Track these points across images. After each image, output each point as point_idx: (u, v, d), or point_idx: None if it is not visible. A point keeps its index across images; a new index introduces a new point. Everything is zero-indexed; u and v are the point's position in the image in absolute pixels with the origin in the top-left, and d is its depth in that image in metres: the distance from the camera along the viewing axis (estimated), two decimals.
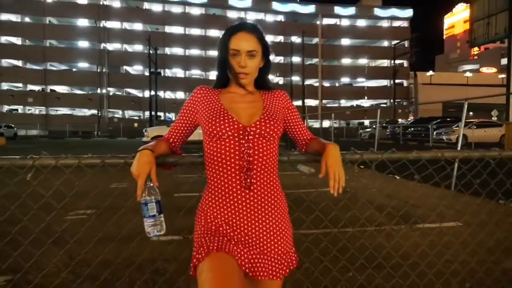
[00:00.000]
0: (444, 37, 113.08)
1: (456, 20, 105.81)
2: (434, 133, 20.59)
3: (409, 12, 59.62)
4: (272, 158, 1.35)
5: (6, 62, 48.65)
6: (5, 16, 48.09)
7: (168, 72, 52.61)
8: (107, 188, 6.59)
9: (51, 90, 50.38)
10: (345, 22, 58.59)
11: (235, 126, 1.29)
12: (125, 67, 52.79)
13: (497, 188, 2.38)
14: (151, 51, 39.51)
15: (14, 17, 49.22)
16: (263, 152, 1.31)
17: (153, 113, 39.99)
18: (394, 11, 59.32)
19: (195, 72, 53.06)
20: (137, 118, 52.49)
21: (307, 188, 6.81)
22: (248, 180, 1.29)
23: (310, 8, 56.98)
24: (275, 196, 1.35)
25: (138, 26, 52.38)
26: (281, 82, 53.54)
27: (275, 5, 56.29)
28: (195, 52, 52.61)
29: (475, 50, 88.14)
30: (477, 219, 4.66)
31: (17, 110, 50.37)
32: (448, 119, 23.61)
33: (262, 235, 1.30)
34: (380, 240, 3.84)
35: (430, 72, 56.58)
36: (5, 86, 48.73)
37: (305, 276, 2.73)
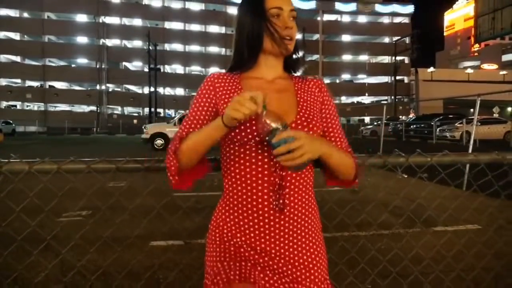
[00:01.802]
0: (445, 33, 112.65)
1: (457, 16, 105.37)
2: (437, 130, 20.35)
3: (410, 8, 59.22)
4: (310, 172, 1.10)
5: (5, 57, 48.27)
6: (4, 11, 47.68)
7: (168, 68, 52.26)
8: (104, 186, 6.35)
9: (50, 86, 50.07)
10: (345, 18, 58.24)
11: (264, 130, 0.97)
12: (124, 63, 52.42)
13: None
14: (150, 47, 39.18)
15: (12, 12, 48.80)
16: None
17: (152, 109, 39.73)
18: (395, 7, 58.93)
19: (195, 69, 52.71)
20: (136, 114, 52.22)
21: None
22: (281, 201, 1.02)
23: (311, 4, 56.59)
24: (311, 216, 1.09)
25: (137, 22, 52.01)
26: None
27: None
28: (195, 48, 52.24)
29: (475, 47, 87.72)
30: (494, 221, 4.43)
31: (15, 106, 50.10)
32: (451, 116, 23.39)
33: (294, 261, 1.05)
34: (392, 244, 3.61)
35: (431, 69, 56.33)
36: (3, 82, 48.38)
37: None
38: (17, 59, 49.37)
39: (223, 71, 1.17)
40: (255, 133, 1.00)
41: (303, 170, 1.00)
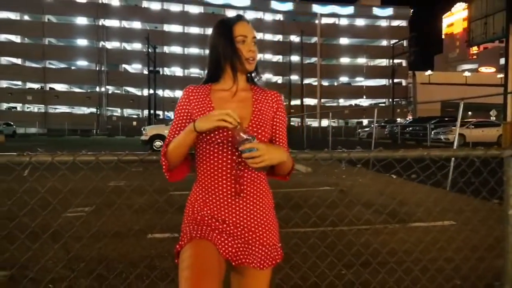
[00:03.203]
0: (443, 36, 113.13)
1: (455, 19, 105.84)
2: (432, 132, 20.65)
3: (407, 12, 59.69)
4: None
5: (5, 60, 48.61)
6: (4, 14, 48.03)
7: (167, 71, 52.63)
8: (105, 186, 6.64)
9: (50, 88, 50.39)
10: (343, 22, 58.64)
11: (225, 133, 1.29)
12: (124, 65, 52.76)
13: (483, 187, 2.45)
14: (150, 50, 39.49)
15: (13, 15, 49.16)
16: None
17: (151, 111, 39.99)
18: (392, 11, 59.40)
19: (194, 71, 53.07)
20: (135, 116, 52.51)
21: (301, 186, 6.87)
22: (238, 186, 1.33)
23: (309, 7, 57.03)
24: (263, 196, 1.40)
25: (137, 25, 52.38)
26: (279, 81, 53.59)
27: (274, 4, 56.31)
28: (193, 50, 52.60)
29: (474, 50, 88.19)
30: (462, 216, 4.72)
31: (16, 108, 50.37)
32: (446, 119, 23.67)
33: (248, 229, 1.36)
34: (368, 237, 3.90)
35: (429, 72, 56.72)
36: (4, 84, 48.72)
37: (294, 271, 2.79)
38: (18, 61, 49.71)
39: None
40: (218, 138, 1.31)
41: (263, 170, 1.34)
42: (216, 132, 1.30)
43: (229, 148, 1.32)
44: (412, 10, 60.01)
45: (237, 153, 1.31)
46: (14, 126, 37.88)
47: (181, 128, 1.38)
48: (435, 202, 6.00)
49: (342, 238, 3.60)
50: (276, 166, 1.37)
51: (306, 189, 6.72)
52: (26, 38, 50.06)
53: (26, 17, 49.96)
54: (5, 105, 49.40)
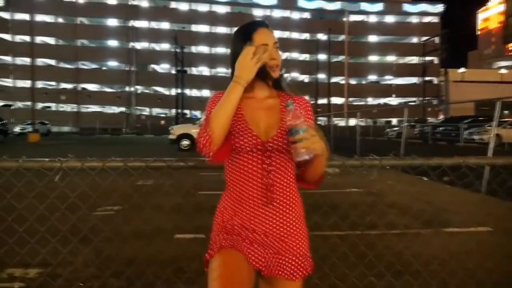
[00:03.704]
0: (478, 32, 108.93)
1: (491, 14, 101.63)
2: (465, 132, 19.91)
3: (440, 7, 57.81)
4: (292, 172, 1.36)
5: (41, 61, 50.59)
6: (40, 17, 49.99)
7: (194, 70, 53.27)
8: (133, 185, 6.76)
9: (82, 88, 52.10)
10: (372, 19, 57.47)
11: (254, 141, 1.30)
12: (152, 65, 53.87)
13: None
14: (177, 50, 40.08)
15: (48, 18, 51.13)
16: (283, 169, 1.32)
17: (179, 110, 40.60)
18: (424, 7, 57.68)
19: (221, 70, 53.49)
20: (163, 115, 53.47)
21: (329, 188, 6.75)
22: (269, 195, 1.31)
23: (337, 5, 56.23)
24: (294, 204, 1.37)
25: (165, 25, 53.30)
26: (306, 80, 53.17)
27: (301, 2, 55.88)
28: (220, 50, 53.00)
29: (511, 46, 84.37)
30: (499, 223, 4.49)
31: (50, 107, 52.38)
32: (481, 118, 22.75)
33: (279, 238, 1.32)
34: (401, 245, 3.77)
35: (462, 69, 54.69)
36: (39, 84, 50.67)
37: (322, 281, 2.72)
38: (52, 62, 51.70)
39: None
40: (247, 146, 1.29)
41: (309, 161, 1.23)
42: (245, 140, 1.30)
43: (259, 155, 1.30)
44: (444, 6, 58.08)
45: (267, 161, 1.30)
46: (49, 125, 39.38)
47: None
48: (469, 206, 5.76)
49: (372, 245, 3.48)
50: (309, 168, 1.33)
51: (333, 191, 6.60)
52: (60, 40, 51.98)
53: (60, 20, 51.83)
54: (40, 105, 51.44)
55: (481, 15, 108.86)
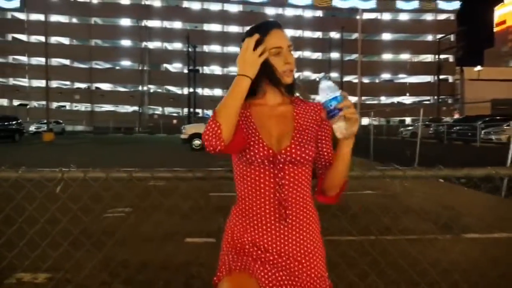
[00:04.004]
0: (494, 29, 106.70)
1: (508, 10, 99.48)
2: (482, 132, 19.45)
3: (455, 4, 56.75)
4: (307, 185, 1.26)
5: (56, 61, 51.34)
6: (55, 18, 50.72)
7: (206, 70, 53.40)
8: (144, 185, 6.74)
9: (96, 87, 52.72)
10: (386, 16, 56.74)
11: (265, 153, 1.19)
12: (165, 65, 54.19)
13: None
14: (190, 49, 40.21)
15: (62, 18, 51.84)
16: (297, 183, 1.22)
17: (191, 109, 40.74)
18: (439, 4, 56.69)
19: (233, 69, 53.45)
20: (176, 114, 53.77)
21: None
22: (283, 211, 1.21)
23: (349, 3, 55.66)
24: (310, 221, 1.26)
25: (177, 25, 53.56)
26: (319, 79, 52.77)
27: (314, 0, 55.51)
28: (232, 49, 53.01)
29: None
30: None
31: (65, 106, 53.17)
32: (498, 118, 22.22)
33: (294, 258, 1.22)
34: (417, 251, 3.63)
35: (478, 67, 53.62)
36: (54, 84, 51.45)
37: None
38: (67, 62, 52.41)
39: None
40: (259, 157, 1.19)
41: (351, 136, 1.15)
42: (256, 151, 1.19)
43: (271, 167, 1.20)
44: (460, 3, 56.95)
45: (280, 174, 1.20)
46: (63, 124, 39.95)
47: None
48: (489, 210, 5.58)
49: (385, 252, 3.35)
50: (331, 173, 1.25)
51: (345, 193, 6.43)
52: (74, 40, 52.65)
53: (74, 20, 52.50)
54: (55, 104, 52.24)
55: (497, 12, 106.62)
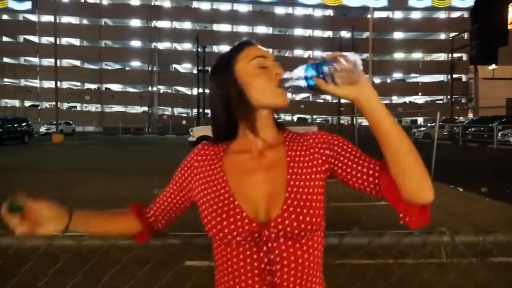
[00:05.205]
0: (509, 27, 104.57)
1: None
2: (499, 134, 18.82)
3: (469, 2, 55.56)
4: (313, 265, 0.88)
5: (66, 62, 51.68)
6: (65, 19, 51.04)
7: None
8: (149, 194, 6.46)
9: (106, 88, 52.92)
10: (398, 15, 55.84)
11: (246, 227, 0.83)
12: (174, 65, 54.14)
13: None
14: (199, 49, 40.04)
15: (73, 20, 52.16)
16: (295, 265, 0.84)
17: (200, 110, 40.57)
18: (452, 1, 55.56)
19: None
20: (185, 115, 53.72)
21: (355, 200, 6.23)
22: None
23: (360, 2, 54.90)
24: None
25: (187, 25, 53.49)
26: None
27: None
28: None
29: None
30: None
31: (75, 107, 53.53)
32: None
33: None
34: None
35: (493, 66, 52.41)
36: (65, 85, 51.82)
37: None
38: (77, 63, 52.73)
39: None
40: (237, 234, 0.84)
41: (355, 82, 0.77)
42: (232, 227, 0.83)
43: (257, 247, 0.84)
44: (474, 0, 55.74)
45: (270, 256, 0.83)
46: (73, 125, 40.14)
47: (169, 199, 1.01)
48: None
49: (402, 279, 2.99)
50: (390, 162, 0.78)
51: (356, 205, 6.06)
52: (84, 41, 52.94)
53: (84, 21, 52.77)
54: (66, 105, 52.59)
55: None
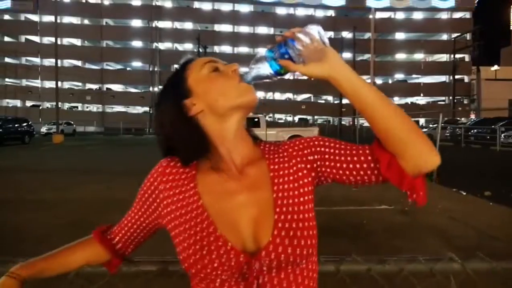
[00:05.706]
0: (511, 27, 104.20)
1: None
2: (502, 135, 18.64)
3: (471, 2, 55.33)
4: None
5: (68, 62, 51.68)
6: (67, 19, 51.04)
7: None
8: None
9: (107, 88, 52.90)
10: (400, 15, 55.66)
11: (233, 262, 0.71)
12: (175, 65, 52.90)
13: None
14: (200, 50, 39.97)
15: (75, 20, 52.15)
16: None
17: None
18: (455, 2, 55.35)
19: (243, 70, 52.85)
20: None
21: (353, 204, 6.11)
22: None
23: (362, 2, 54.75)
24: None
25: (188, 25, 53.41)
26: None
27: (325, 0, 54.74)
28: (243, 49, 52.62)
29: None
30: None
31: (76, 107, 53.52)
32: None
33: None
34: None
35: (495, 67, 52.18)
36: (66, 85, 51.79)
37: None
38: (78, 63, 52.72)
39: None
40: (222, 272, 0.73)
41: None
42: (216, 263, 0.72)
43: (246, 282, 0.73)
44: (477, 0, 55.52)
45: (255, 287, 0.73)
46: (74, 125, 40.09)
47: (134, 223, 0.87)
48: None
49: None
50: (370, 110, 0.72)
51: (357, 209, 5.93)
52: (85, 41, 52.93)
53: (86, 21, 52.76)
54: (67, 105, 52.57)
55: None
